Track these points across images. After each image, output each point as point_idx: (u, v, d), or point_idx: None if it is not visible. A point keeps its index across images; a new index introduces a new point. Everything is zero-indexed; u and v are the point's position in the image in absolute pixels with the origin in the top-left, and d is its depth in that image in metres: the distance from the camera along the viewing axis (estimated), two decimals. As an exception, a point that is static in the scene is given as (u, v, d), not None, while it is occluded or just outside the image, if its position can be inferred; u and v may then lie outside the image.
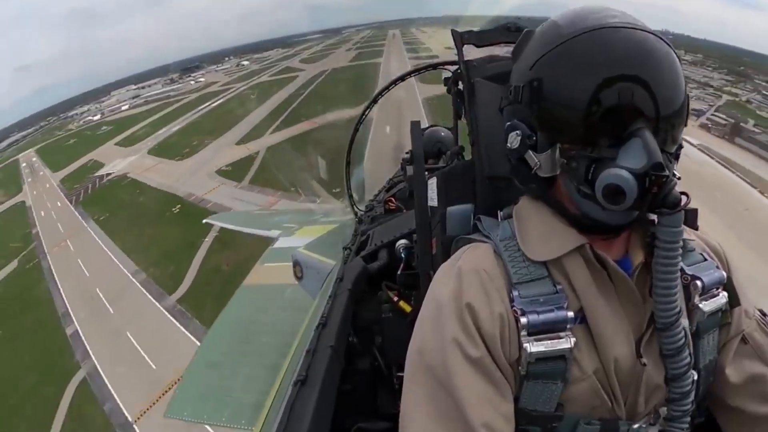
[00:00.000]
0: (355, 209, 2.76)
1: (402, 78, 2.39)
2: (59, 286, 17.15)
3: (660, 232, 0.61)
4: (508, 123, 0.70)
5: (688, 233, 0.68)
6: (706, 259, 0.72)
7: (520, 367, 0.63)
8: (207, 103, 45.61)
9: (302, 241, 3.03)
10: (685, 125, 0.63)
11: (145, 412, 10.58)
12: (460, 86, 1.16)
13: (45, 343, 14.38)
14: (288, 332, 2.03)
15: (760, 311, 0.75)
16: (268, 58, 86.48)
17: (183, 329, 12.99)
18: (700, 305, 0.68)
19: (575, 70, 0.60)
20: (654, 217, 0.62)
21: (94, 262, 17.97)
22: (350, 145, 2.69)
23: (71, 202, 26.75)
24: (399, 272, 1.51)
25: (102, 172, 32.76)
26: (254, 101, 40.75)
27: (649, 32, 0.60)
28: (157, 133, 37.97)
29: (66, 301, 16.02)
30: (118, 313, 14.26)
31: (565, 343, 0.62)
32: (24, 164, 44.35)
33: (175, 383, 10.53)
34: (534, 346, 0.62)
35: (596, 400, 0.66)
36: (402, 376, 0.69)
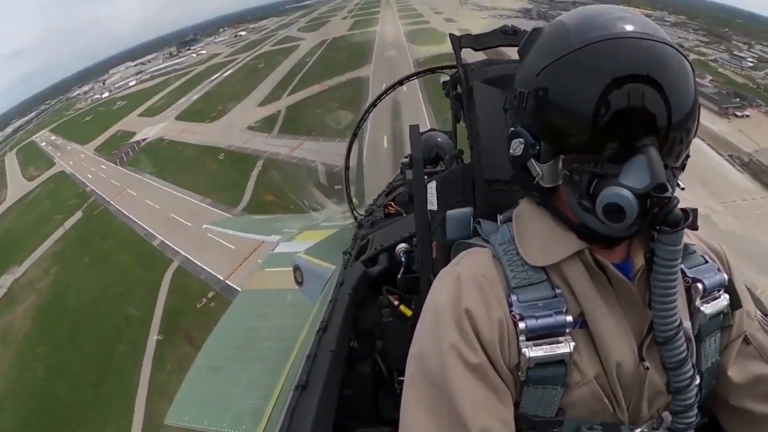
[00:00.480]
0: (355, 214, 2.80)
1: (400, 82, 2.45)
2: (134, 219, 21.32)
3: (659, 249, 0.60)
4: (512, 129, 0.69)
5: (688, 235, 0.65)
6: (707, 261, 0.72)
7: (519, 373, 0.63)
8: (218, 74, 48.14)
9: (302, 245, 3.09)
10: (695, 137, 0.62)
11: (232, 273, 15.23)
12: (459, 90, 1.18)
13: (136, 253, 18.85)
14: (289, 337, 2.06)
15: (762, 312, 0.77)
16: (264, 27, 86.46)
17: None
18: (702, 308, 0.68)
19: (582, 82, 0.58)
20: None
21: (162, 199, 22.01)
22: (348, 150, 2.74)
23: (117, 164, 30.13)
24: (399, 276, 1.50)
25: (137, 138, 35.54)
26: (264, 69, 43.22)
27: (662, 41, 0.58)
28: (178, 103, 40.60)
29: (145, 226, 20.25)
30: (195, 225, 18.24)
31: (564, 347, 0.62)
32: (43, 143, 46.66)
33: (252, 253, 14.95)
34: (533, 351, 0.61)
35: (597, 404, 0.65)
36: (403, 380, 0.70)
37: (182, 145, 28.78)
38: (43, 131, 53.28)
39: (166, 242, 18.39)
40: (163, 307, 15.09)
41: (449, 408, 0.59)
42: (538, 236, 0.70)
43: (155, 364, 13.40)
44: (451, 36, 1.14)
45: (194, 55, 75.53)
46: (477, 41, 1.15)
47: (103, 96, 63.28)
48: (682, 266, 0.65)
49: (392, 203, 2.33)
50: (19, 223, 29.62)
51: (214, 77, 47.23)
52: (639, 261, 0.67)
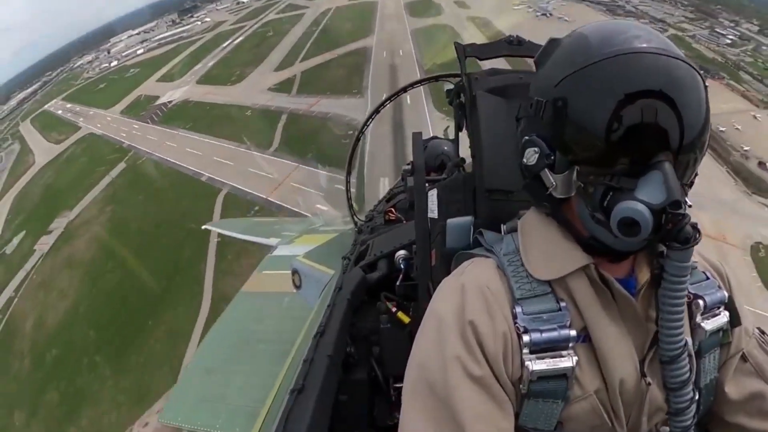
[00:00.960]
0: (355, 219, 2.78)
1: (404, 89, 2.40)
2: (180, 163, 25.25)
3: (668, 266, 0.61)
4: (526, 138, 0.69)
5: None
6: (708, 278, 0.74)
7: (521, 385, 0.63)
8: (228, 41, 50.50)
9: (301, 249, 3.02)
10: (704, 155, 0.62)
11: (272, 192, 19.70)
12: (462, 98, 1.17)
13: (187, 188, 22.88)
14: (285, 340, 2.03)
15: (759, 329, 0.78)
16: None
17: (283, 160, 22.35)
18: (702, 324, 0.69)
19: (601, 94, 0.59)
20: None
21: (201, 147, 25.99)
22: (351, 155, 2.69)
23: (148, 123, 33.53)
24: (398, 283, 1.50)
25: (162, 101, 38.15)
26: (274, 37, 45.84)
27: (680, 59, 0.59)
28: (194, 69, 43.47)
29: (191, 167, 24.29)
30: (237, 164, 22.60)
31: (567, 361, 0.62)
32: (60, 111, 48.77)
33: (286, 178, 19.35)
34: (536, 365, 0.62)
35: (597, 419, 0.66)
36: (399, 388, 0.72)
37: (209, 104, 32.32)
38: (55, 100, 55.35)
39: (214, 177, 22.69)
40: (219, 219, 19.45)
41: (451, 419, 0.59)
42: (543, 249, 0.71)
43: (218, 257, 17.96)
44: (456, 45, 1.17)
45: (199, 23, 76.08)
46: (481, 51, 1.17)
47: (112, 65, 64.99)
48: None
49: (393, 210, 2.36)
50: (59, 178, 32.68)
51: (225, 44, 49.59)
52: (643, 276, 0.69)
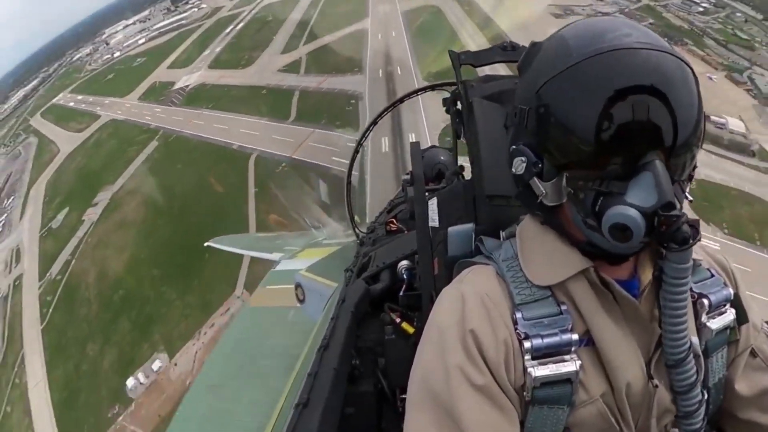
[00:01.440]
0: (357, 231, 2.78)
1: (401, 100, 2.42)
2: (209, 137, 29.41)
3: (667, 267, 0.59)
4: (513, 147, 0.68)
5: (694, 249, 0.62)
6: (712, 275, 0.73)
7: (525, 392, 0.62)
8: (231, 26, 53.50)
9: (304, 263, 3.08)
10: (701, 148, 0.59)
11: (294, 152, 23.97)
12: (459, 106, 1.18)
13: (219, 156, 27.17)
14: (290, 355, 2.05)
15: (767, 324, 0.77)
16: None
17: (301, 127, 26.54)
18: (708, 323, 0.67)
19: (584, 96, 0.57)
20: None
21: (227, 122, 30.03)
22: (350, 167, 2.69)
23: (170, 106, 37.16)
24: (401, 293, 1.51)
25: (178, 86, 40.97)
26: (273, 22, 48.80)
27: (664, 51, 0.56)
28: (203, 55, 46.63)
29: (221, 139, 28.55)
30: (262, 134, 26.88)
31: (570, 366, 0.62)
32: (71, 103, 50.96)
33: (305, 141, 23.75)
34: (538, 370, 0.61)
35: (604, 423, 0.65)
36: (406, 398, 0.69)
37: (226, 86, 36.02)
38: (63, 93, 57.40)
39: (243, 145, 26.91)
40: (254, 176, 23.93)
41: (455, 428, 0.59)
42: (542, 254, 0.70)
43: (257, 202, 22.49)
44: (451, 53, 1.16)
45: (196, 9, 77.56)
46: (476, 57, 1.17)
47: (115, 56, 66.72)
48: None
49: (394, 220, 2.35)
50: (91, 161, 35.87)
51: (228, 30, 52.53)
52: (646, 277, 0.68)
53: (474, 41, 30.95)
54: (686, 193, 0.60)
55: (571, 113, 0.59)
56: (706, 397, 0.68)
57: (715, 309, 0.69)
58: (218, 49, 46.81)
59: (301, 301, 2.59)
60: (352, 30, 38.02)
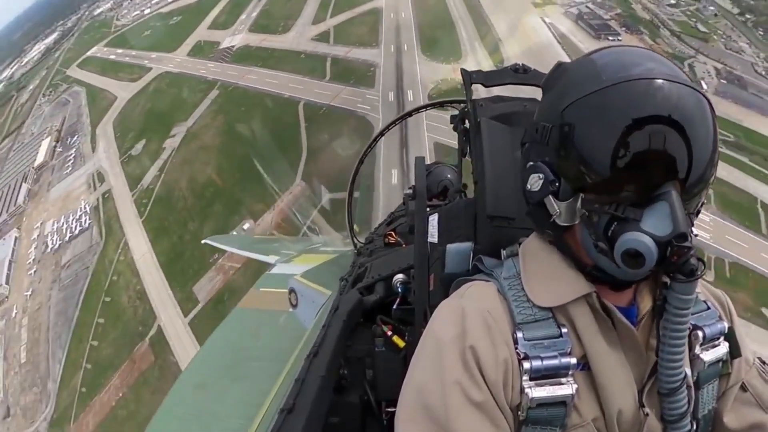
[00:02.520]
0: (355, 241, 2.86)
1: (409, 114, 2.52)
2: (264, 88, 38.62)
3: (671, 298, 0.61)
4: (531, 163, 0.69)
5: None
6: (709, 308, 0.76)
7: (519, 412, 0.64)
8: None
9: (299, 268, 3.17)
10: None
11: (332, 100, 34.04)
12: (467, 124, 1.21)
13: (275, 101, 36.57)
14: (278, 359, 2.09)
15: (760, 359, 0.80)
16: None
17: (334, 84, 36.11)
18: (701, 355, 0.70)
19: (606, 121, 0.59)
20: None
21: (276, 78, 39.24)
22: (353, 178, 2.79)
23: (220, 62, 44.87)
24: (394, 307, 1.56)
25: (224, 45, 46.81)
26: None
27: (690, 86, 0.60)
28: (241, 18, 51.53)
29: (274, 90, 37.88)
30: (304, 88, 36.77)
31: (567, 389, 0.64)
32: (112, 56, 55.28)
33: (336, 97, 34.09)
34: (535, 392, 0.63)
35: None
36: (392, 412, 0.73)
37: (269, 49, 43.24)
38: (97, 47, 61.01)
39: (292, 95, 36.71)
40: (303, 115, 34.17)
41: None
42: (545, 275, 0.72)
43: (308, 134, 32.65)
44: (462, 71, 1.21)
45: None
46: (487, 77, 1.21)
47: (146, 12, 69.18)
48: None
49: (393, 233, 2.41)
50: (156, 104, 42.36)
51: None
52: (645, 306, 0.71)
53: (463, 23, 39.92)
54: (693, 227, 0.61)
55: (595, 135, 0.61)
56: (695, 428, 0.70)
57: (709, 341, 0.72)
58: (254, 14, 51.88)
59: (294, 306, 2.64)
60: (370, 7, 45.21)
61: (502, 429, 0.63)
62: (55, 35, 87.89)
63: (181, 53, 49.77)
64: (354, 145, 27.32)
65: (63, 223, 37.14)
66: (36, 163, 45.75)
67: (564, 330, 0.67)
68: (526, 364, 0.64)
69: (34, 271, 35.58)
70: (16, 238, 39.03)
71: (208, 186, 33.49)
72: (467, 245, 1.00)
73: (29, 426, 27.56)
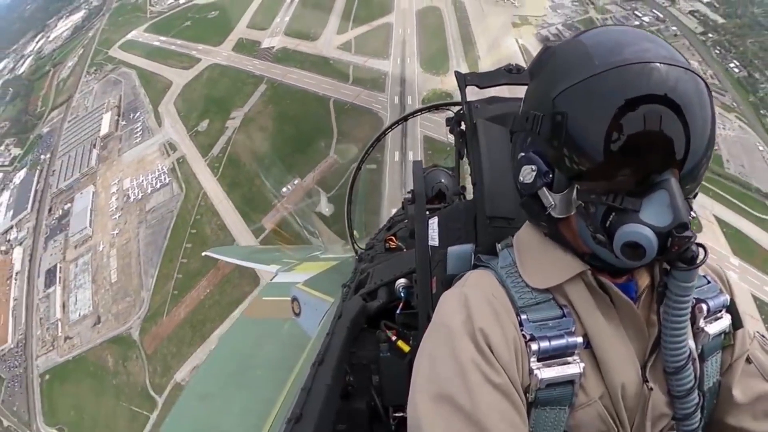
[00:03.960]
0: (356, 247, 3.12)
1: (405, 118, 2.70)
2: (303, 86, 50.56)
3: (672, 285, 0.65)
4: (522, 154, 0.71)
5: None
6: (709, 282, 0.82)
7: (528, 394, 0.69)
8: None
9: (301, 276, 3.45)
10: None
11: (354, 99, 49.73)
12: (463, 127, 1.29)
13: (314, 98, 50.42)
14: (284, 368, 2.21)
15: (759, 333, 0.86)
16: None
17: (355, 87, 47.44)
18: (705, 328, 0.75)
19: (605, 107, 0.60)
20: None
21: (311, 79, 51.24)
22: (352, 185, 3.02)
23: (263, 60, 50.92)
24: (398, 311, 1.64)
25: (265, 45, 52.91)
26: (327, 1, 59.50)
27: (687, 69, 0.61)
28: (275, 22, 57.12)
29: (312, 89, 50.85)
30: (333, 89, 50.32)
31: (574, 368, 0.69)
32: (156, 42, 59.41)
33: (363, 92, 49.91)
34: (544, 372, 0.67)
35: (602, 425, 0.72)
36: (399, 417, 0.71)
37: (304, 53, 50.46)
38: (137, 31, 64.05)
39: (325, 93, 47.51)
40: (333, 110, 47.98)
41: (476, 426, 0.62)
42: (539, 259, 0.77)
43: (337, 123, 46.96)
44: (457, 74, 1.29)
45: None
46: (481, 79, 1.29)
47: (181, 2, 71.21)
48: None
49: (393, 238, 2.58)
50: (212, 91, 48.73)
51: (289, 1, 61.47)
52: (643, 281, 0.75)
53: (453, 41, 48.57)
54: (692, 210, 0.63)
55: (590, 123, 0.63)
56: (701, 400, 0.75)
57: (712, 314, 0.78)
58: (287, 19, 57.50)
59: (297, 315, 2.83)
60: (383, 22, 53.11)
61: (520, 412, 0.67)
62: (81, 13, 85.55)
63: (226, 48, 55.48)
64: (366, 132, 38.92)
65: (142, 180, 44.79)
66: (101, 134, 52.03)
67: (566, 310, 0.73)
68: (534, 346, 0.70)
69: (119, 216, 42.51)
70: (93, 192, 46.06)
71: (266, 155, 41.93)
72: (468, 247, 1.08)
73: (122, 326, 34.21)
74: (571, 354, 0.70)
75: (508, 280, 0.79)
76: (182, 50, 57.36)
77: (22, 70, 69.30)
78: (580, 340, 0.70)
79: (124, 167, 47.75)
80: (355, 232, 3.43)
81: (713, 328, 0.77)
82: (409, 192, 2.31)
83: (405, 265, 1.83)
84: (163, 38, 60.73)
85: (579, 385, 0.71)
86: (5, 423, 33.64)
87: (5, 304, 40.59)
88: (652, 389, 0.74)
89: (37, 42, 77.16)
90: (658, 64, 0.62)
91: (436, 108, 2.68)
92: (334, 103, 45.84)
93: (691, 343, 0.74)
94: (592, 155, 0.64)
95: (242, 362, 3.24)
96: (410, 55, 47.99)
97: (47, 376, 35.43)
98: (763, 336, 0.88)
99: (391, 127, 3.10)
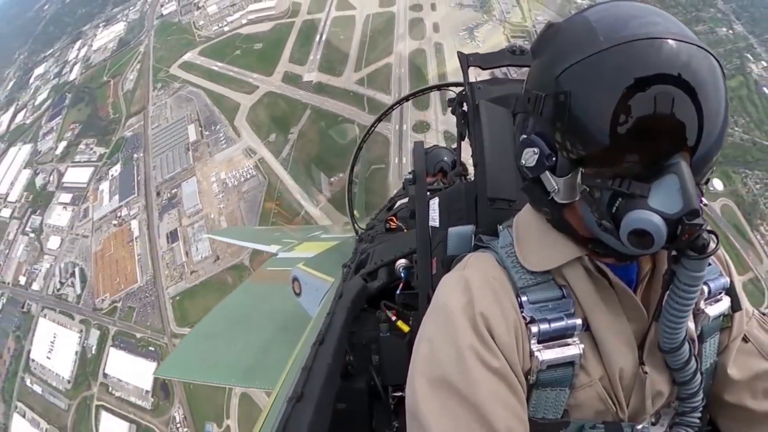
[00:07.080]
0: (356, 227, 3.14)
1: (406, 98, 2.72)
2: (335, 111, 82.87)
3: (681, 274, 0.61)
4: (524, 136, 0.66)
5: None
6: (710, 264, 0.79)
7: (529, 376, 0.66)
8: (317, 37, 69.01)
9: (302, 256, 3.57)
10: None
11: (372, 125, 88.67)
12: (465, 108, 1.25)
13: (343, 121, 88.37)
14: (285, 348, 2.26)
15: (759, 311, 0.86)
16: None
17: (369, 114, 57.77)
18: (706, 309, 0.73)
19: (611, 85, 0.55)
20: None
21: (344, 107, 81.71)
22: (352, 165, 2.94)
23: (307, 92, 63.92)
24: (398, 292, 1.66)
25: (305, 79, 61.28)
26: (344, 41, 67.25)
27: (700, 46, 0.56)
28: (309, 59, 64.76)
29: (342, 113, 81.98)
30: (354, 116, 63.36)
31: (574, 349, 0.66)
32: (214, 67, 65.54)
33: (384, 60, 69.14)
34: (545, 354, 0.64)
35: (601, 405, 0.71)
36: (398, 396, 0.75)
37: (333, 86, 58.67)
38: (190, 53, 70.11)
39: (351, 118, 60.71)
40: (357, 128, 67.14)
41: (473, 410, 0.61)
42: (537, 242, 0.74)
43: (358, 136, 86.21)
44: (459, 54, 1.26)
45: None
46: (484, 60, 1.27)
47: (225, 29, 74.67)
48: None
49: (394, 218, 2.63)
50: (273, 111, 59.18)
51: (317, 40, 67.73)
52: (647, 263, 0.71)
53: (432, 79, 69.72)
54: (703, 198, 0.59)
55: (595, 102, 0.57)
56: (700, 380, 0.74)
57: (713, 296, 0.77)
58: (318, 56, 64.98)
59: (298, 295, 2.90)
60: (385, 62, 60.94)
61: (518, 395, 0.67)
62: (121, 25, 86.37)
63: (276, 79, 64.60)
64: (379, 148, 55.04)
65: (235, 173, 54.94)
66: (191, 140, 60.88)
67: (566, 290, 0.73)
68: (534, 328, 0.69)
69: (222, 196, 52.73)
70: (197, 181, 55.17)
71: (319, 158, 54.44)
72: (469, 228, 1.10)
73: (236, 259, 45.96)
74: (571, 335, 0.71)
75: (507, 261, 0.80)
76: (240, 77, 65.72)
77: (73, 76, 75.73)
78: (579, 321, 0.71)
79: (217, 165, 56.87)
80: (355, 212, 3.69)
81: (713, 310, 0.78)
82: (410, 172, 2.35)
83: (405, 245, 1.97)
84: (220, 63, 67.20)
85: (579, 366, 0.72)
86: (138, 335, 44.48)
87: (132, 258, 51.18)
88: (647, 373, 0.75)
89: (78, 49, 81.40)
90: (669, 41, 0.58)
91: (438, 88, 2.96)
92: (358, 125, 57.11)
93: (691, 324, 0.76)
94: (597, 138, 0.61)
95: (245, 312, 3.81)
96: (403, 90, 56.68)
97: (177, 297, 44.46)
98: (763, 314, 0.92)
99: (392, 107, 3.41)
